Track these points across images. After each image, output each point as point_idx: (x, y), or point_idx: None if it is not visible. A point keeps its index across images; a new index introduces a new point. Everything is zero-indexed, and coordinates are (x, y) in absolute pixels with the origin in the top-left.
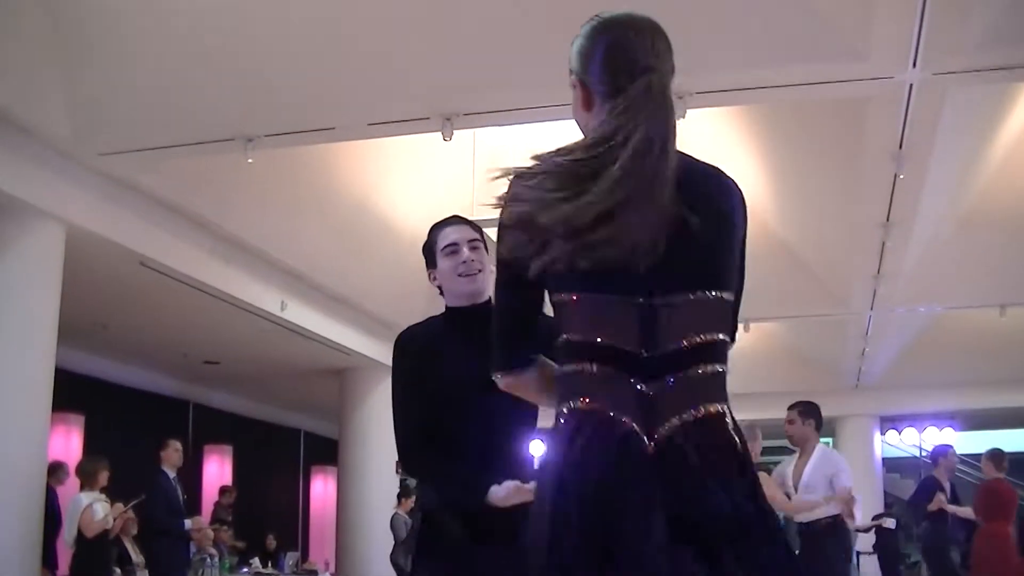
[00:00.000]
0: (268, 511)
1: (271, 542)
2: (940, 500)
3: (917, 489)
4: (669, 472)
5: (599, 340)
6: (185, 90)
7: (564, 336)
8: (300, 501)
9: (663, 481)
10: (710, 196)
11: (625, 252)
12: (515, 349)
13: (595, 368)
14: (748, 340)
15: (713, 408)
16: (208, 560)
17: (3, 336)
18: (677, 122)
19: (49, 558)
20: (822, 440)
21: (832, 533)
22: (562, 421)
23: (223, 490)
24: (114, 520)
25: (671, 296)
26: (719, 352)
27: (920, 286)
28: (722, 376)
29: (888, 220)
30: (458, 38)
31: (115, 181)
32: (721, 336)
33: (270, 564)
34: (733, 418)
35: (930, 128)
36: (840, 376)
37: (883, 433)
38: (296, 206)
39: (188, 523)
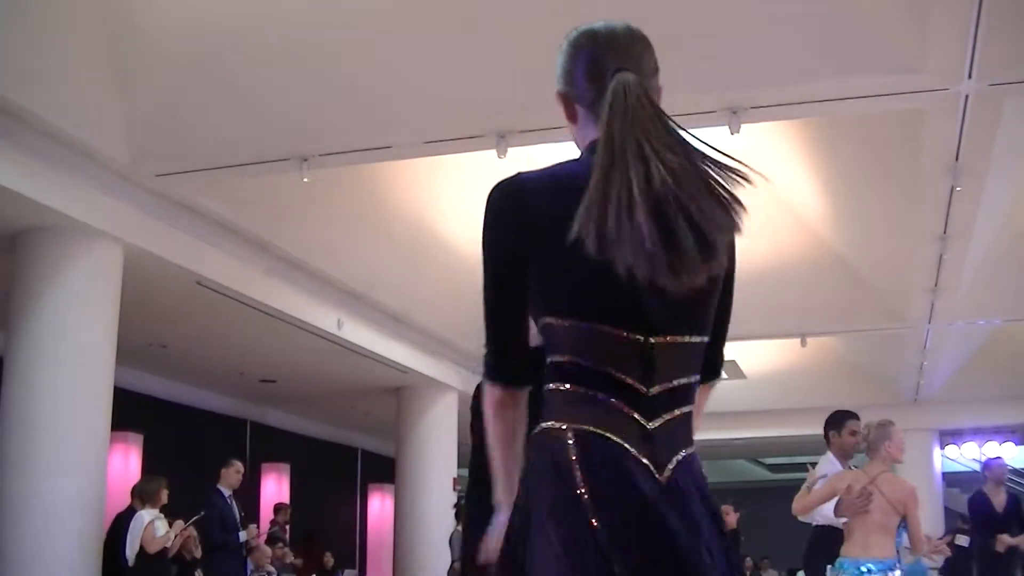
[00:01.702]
0: (326, 529)
1: (328, 559)
2: (1004, 540)
3: (969, 508)
4: (678, 509)
5: (609, 372)
6: (240, 110)
7: (563, 358)
8: (358, 519)
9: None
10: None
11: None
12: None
13: (599, 395)
14: (805, 355)
15: (693, 449)
16: None
17: (62, 355)
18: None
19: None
20: None
21: None
22: (569, 440)
23: (277, 508)
24: (174, 537)
25: (672, 337)
26: (693, 393)
27: (978, 299)
28: (691, 417)
29: (945, 233)
30: (512, 56)
31: (172, 201)
32: (696, 378)
33: None
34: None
35: (987, 139)
36: (898, 390)
37: (943, 448)
38: (352, 225)
39: (243, 534)
